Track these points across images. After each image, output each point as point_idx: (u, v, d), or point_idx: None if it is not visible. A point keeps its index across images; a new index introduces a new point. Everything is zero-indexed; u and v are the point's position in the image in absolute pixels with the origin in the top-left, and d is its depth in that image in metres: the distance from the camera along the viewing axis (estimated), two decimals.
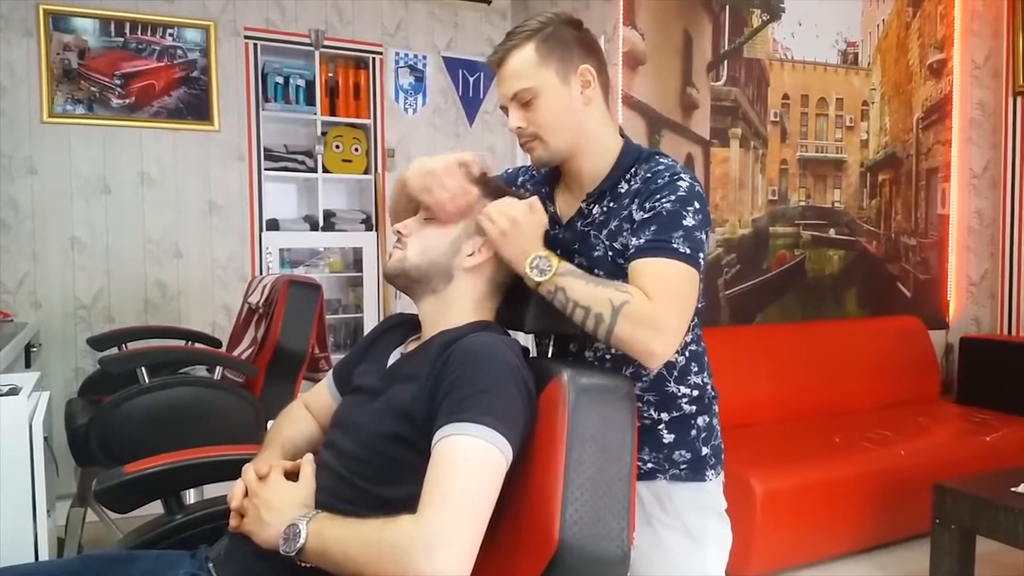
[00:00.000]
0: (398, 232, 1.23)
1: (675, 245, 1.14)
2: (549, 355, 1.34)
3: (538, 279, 1.13)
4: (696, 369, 1.31)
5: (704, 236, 1.19)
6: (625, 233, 1.22)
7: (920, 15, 3.89)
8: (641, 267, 1.15)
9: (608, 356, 1.30)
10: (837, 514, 2.72)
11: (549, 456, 1.03)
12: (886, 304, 3.88)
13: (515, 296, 1.24)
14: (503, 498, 0.99)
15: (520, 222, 1.14)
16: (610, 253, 1.24)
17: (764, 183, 3.59)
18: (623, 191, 1.26)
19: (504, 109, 1.28)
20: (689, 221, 1.17)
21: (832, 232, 3.76)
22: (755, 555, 2.56)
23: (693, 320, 1.28)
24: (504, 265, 1.20)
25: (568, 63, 1.23)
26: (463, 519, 0.92)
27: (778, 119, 3.60)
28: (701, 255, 1.17)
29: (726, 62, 3.47)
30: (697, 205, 1.19)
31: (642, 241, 1.16)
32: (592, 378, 1.09)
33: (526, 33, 1.23)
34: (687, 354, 1.30)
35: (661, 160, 1.27)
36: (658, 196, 1.19)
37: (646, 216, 1.18)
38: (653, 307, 1.09)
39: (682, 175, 1.22)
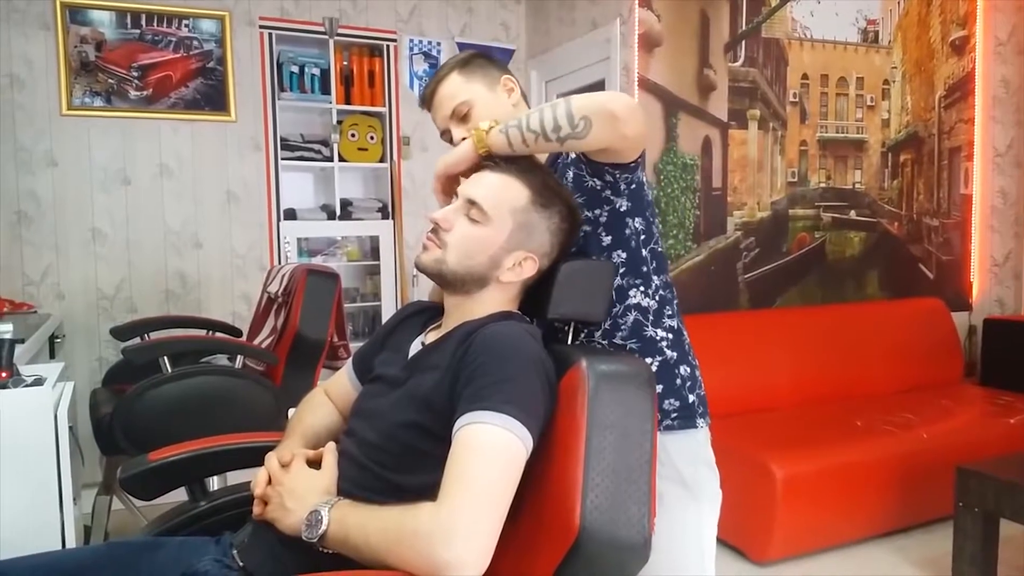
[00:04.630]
0: (436, 224, 1.19)
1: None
2: (569, 342, 1.34)
3: (492, 129, 1.22)
4: (669, 313, 1.35)
5: None
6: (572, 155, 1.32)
7: None
8: None
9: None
10: (858, 498, 2.71)
11: (569, 444, 1.03)
12: (908, 286, 3.84)
13: (536, 284, 1.23)
14: (523, 486, 0.99)
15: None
16: (570, 173, 1.33)
17: (783, 165, 3.56)
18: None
19: (444, 136, 1.41)
20: None
21: (853, 214, 3.72)
22: (776, 539, 2.56)
23: (653, 263, 1.33)
24: (538, 272, 1.21)
25: (490, 76, 1.41)
26: (483, 507, 0.92)
27: (797, 99, 3.56)
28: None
29: (744, 42, 3.42)
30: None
31: None
32: (611, 365, 1.08)
33: (447, 68, 1.41)
34: (658, 298, 1.33)
35: None
36: None
37: None
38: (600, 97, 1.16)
39: None
